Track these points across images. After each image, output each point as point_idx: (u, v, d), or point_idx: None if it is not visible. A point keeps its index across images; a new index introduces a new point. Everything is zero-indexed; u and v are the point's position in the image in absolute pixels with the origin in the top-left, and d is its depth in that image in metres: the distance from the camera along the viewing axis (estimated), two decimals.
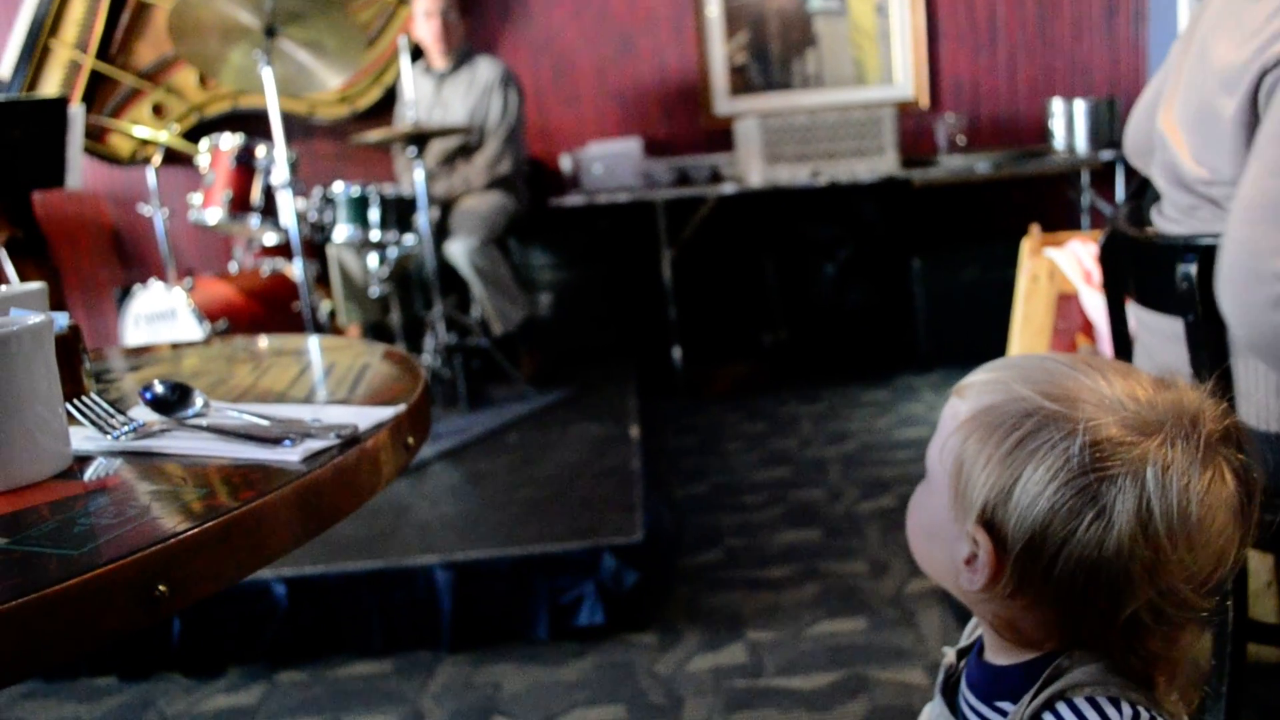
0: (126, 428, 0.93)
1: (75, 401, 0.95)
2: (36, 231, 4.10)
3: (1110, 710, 0.71)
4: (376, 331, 4.10)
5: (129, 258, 4.82)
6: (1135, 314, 1.74)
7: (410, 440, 0.94)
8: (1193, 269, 1.48)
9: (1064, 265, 2.42)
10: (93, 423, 0.94)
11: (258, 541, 0.72)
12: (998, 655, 0.81)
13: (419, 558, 2.51)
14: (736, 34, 4.78)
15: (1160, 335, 1.68)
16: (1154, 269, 1.58)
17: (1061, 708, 0.72)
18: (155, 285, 3.60)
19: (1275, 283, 1.23)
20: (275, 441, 0.86)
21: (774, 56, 4.81)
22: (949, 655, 0.89)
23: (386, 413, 0.93)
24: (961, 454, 0.75)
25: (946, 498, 0.77)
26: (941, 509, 0.78)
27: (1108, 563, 0.69)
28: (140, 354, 1.54)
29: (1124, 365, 0.77)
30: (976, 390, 0.78)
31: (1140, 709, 0.71)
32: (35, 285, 1.14)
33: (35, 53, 4.44)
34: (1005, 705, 0.79)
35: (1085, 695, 0.72)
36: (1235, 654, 1.61)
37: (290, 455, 0.83)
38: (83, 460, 0.89)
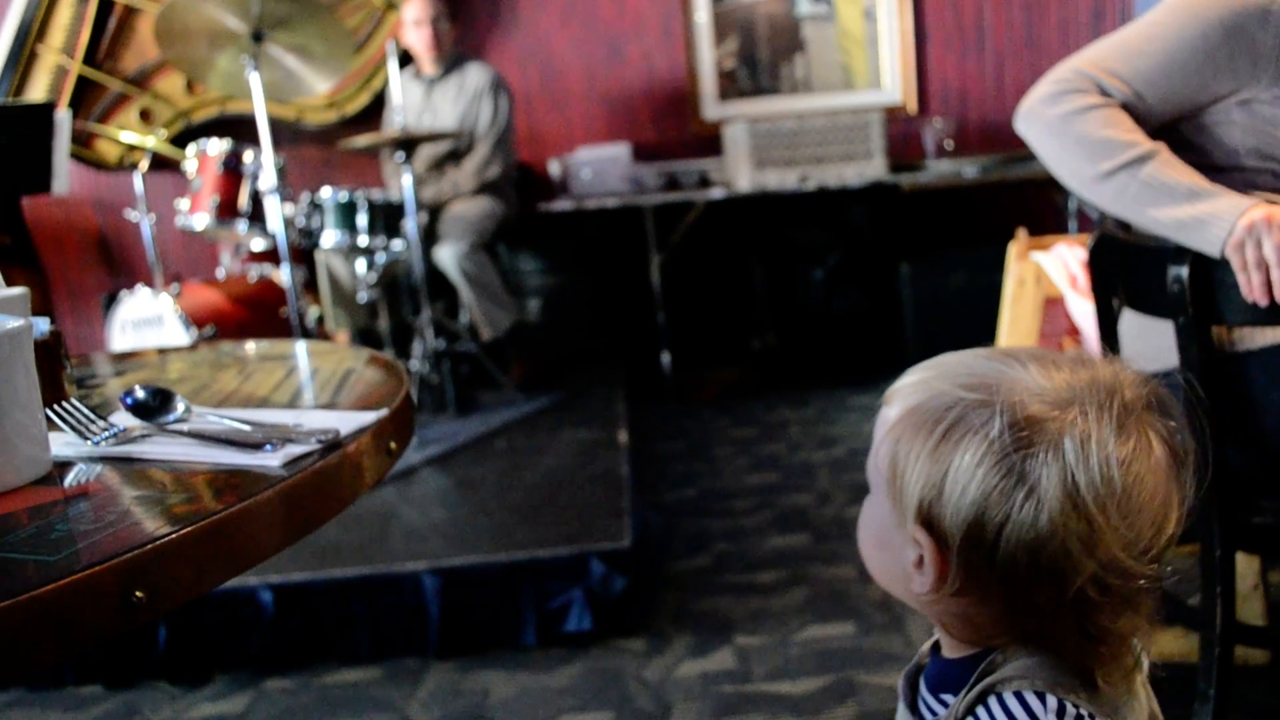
0: (107, 433, 0.93)
1: (56, 407, 0.94)
2: (25, 238, 4.09)
3: (1035, 704, 0.71)
4: (365, 337, 4.09)
5: (116, 263, 4.80)
6: (1120, 317, 1.75)
7: (392, 445, 0.94)
8: (1184, 272, 1.49)
9: (1050, 269, 2.43)
10: (73, 428, 0.93)
11: (237, 547, 0.71)
12: (951, 650, 0.82)
13: (407, 564, 2.50)
14: (725, 39, 4.79)
15: (1146, 337, 1.68)
16: (1144, 272, 1.59)
17: (991, 702, 0.73)
18: (142, 291, 3.58)
19: (1057, 84, 1.57)
20: (256, 446, 0.85)
21: (762, 62, 4.82)
22: (924, 646, 0.89)
23: (368, 417, 0.93)
24: (894, 458, 0.76)
25: (888, 505, 0.77)
26: (885, 518, 0.78)
27: (1045, 541, 0.70)
28: (125, 359, 1.53)
29: (1042, 350, 0.78)
30: (902, 395, 0.79)
31: (1067, 703, 0.71)
32: (16, 290, 1.13)
33: (22, 58, 4.42)
34: (948, 697, 0.80)
35: (1013, 690, 0.73)
36: (1223, 656, 1.62)
37: (271, 460, 0.82)
38: (63, 466, 0.88)
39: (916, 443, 0.74)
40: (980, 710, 0.74)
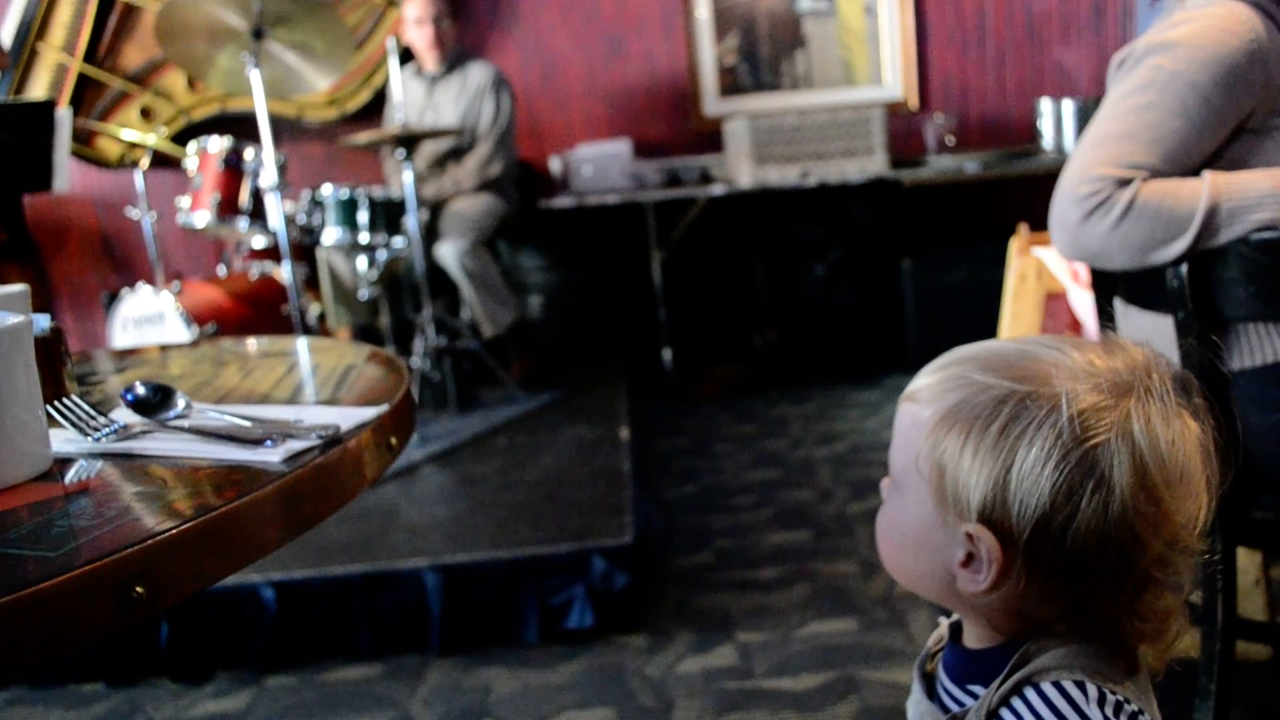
0: (107, 429, 0.93)
1: (56, 403, 0.94)
2: (26, 235, 4.09)
3: (1076, 693, 0.71)
4: (366, 334, 4.09)
5: (117, 261, 4.80)
6: (1121, 311, 1.75)
7: (393, 440, 0.94)
8: (1183, 267, 1.49)
9: (1052, 264, 2.42)
10: (74, 425, 0.93)
11: (237, 542, 0.71)
12: (976, 641, 0.80)
13: (408, 561, 2.50)
14: (726, 35, 4.79)
15: (1146, 333, 1.68)
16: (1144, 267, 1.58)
17: (1029, 693, 0.72)
18: (143, 289, 3.58)
19: (1084, 202, 1.50)
20: (257, 442, 0.85)
21: (763, 57, 4.82)
22: (943, 625, 0.87)
23: (369, 413, 0.92)
24: (940, 457, 0.74)
25: (927, 507, 0.76)
26: (923, 519, 0.76)
27: (1115, 527, 0.70)
28: (126, 356, 1.53)
29: (1065, 338, 0.78)
30: (933, 391, 0.77)
31: (1106, 690, 0.71)
32: (17, 287, 1.14)
33: (22, 55, 4.42)
34: (976, 688, 0.78)
35: (1051, 680, 0.72)
36: (1224, 651, 1.62)
37: (271, 456, 0.82)
38: (63, 462, 0.89)
39: (972, 440, 0.72)
40: (1016, 702, 0.73)
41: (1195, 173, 1.54)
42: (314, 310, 3.94)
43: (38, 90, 4.43)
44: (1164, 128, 1.51)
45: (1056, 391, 0.71)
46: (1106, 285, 1.78)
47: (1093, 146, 1.55)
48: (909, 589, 0.83)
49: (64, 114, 3.73)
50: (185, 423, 0.94)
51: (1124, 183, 1.50)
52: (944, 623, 0.87)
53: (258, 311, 3.74)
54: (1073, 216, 1.53)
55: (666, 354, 4.52)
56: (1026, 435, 0.71)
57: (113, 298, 3.77)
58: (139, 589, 0.63)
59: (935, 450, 0.74)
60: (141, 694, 2.40)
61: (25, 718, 2.34)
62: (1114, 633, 0.74)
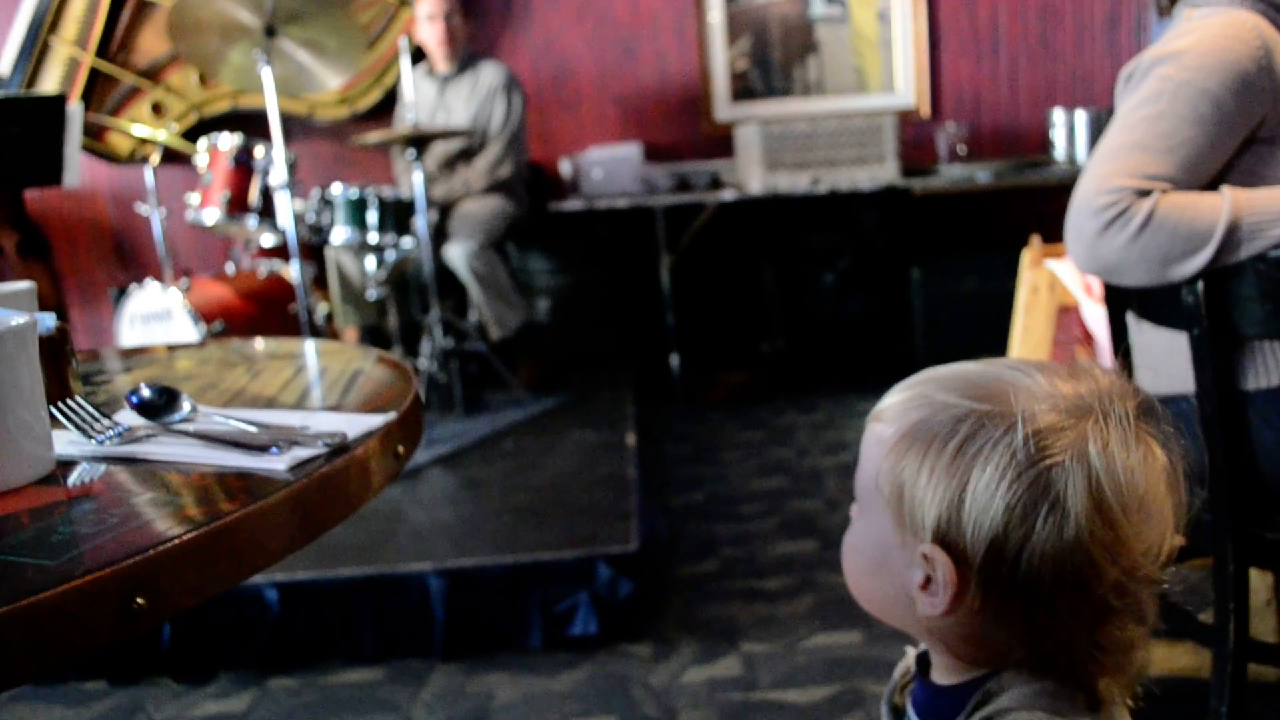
0: (111, 432, 0.91)
1: (60, 404, 0.93)
2: (34, 232, 4.09)
3: None
4: (373, 335, 4.08)
5: (126, 257, 4.80)
6: (1134, 327, 1.73)
7: (400, 449, 0.92)
8: (1199, 283, 1.47)
9: (1065, 277, 2.41)
10: (77, 427, 0.92)
11: (241, 553, 0.70)
12: (944, 675, 0.79)
13: (412, 565, 2.49)
14: (738, 40, 4.78)
15: (1157, 350, 1.66)
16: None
17: None
18: (151, 285, 3.58)
19: (1102, 213, 1.47)
20: (262, 449, 0.84)
21: (775, 63, 4.80)
22: (909, 656, 0.86)
23: (376, 420, 0.91)
24: (899, 476, 0.73)
25: (888, 527, 0.75)
26: (883, 540, 0.75)
27: (1070, 551, 0.68)
28: (133, 355, 1.52)
29: (1035, 361, 0.77)
30: (896, 410, 0.76)
31: None
32: (23, 285, 1.13)
33: (35, 49, 4.42)
34: None
35: None
36: (1235, 673, 1.60)
37: (277, 464, 0.81)
38: (66, 465, 0.87)
39: (929, 458, 0.72)
40: None
41: (1210, 185, 1.53)
42: (322, 309, 3.93)
43: (50, 84, 4.43)
44: (1177, 136, 1.49)
45: (1014, 411, 0.70)
46: (1120, 299, 1.76)
47: (1107, 159, 1.52)
48: (874, 614, 0.81)
49: (75, 109, 3.73)
50: (190, 427, 0.93)
51: (1143, 194, 1.47)
52: (911, 653, 0.86)
53: (265, 310, 3.73)
54: (1090, 228, 1.50)
55: (674, 359, 4.51)
56: (982, 454, 0.70)
57: (121, 293, 3.76)
58: (140, 600, 0.62)
59: (895, 469, 0.74)
60: (143, 693, 2.39)
61: (27, 715, 2.33)
62: (1073, 664, 0.72)
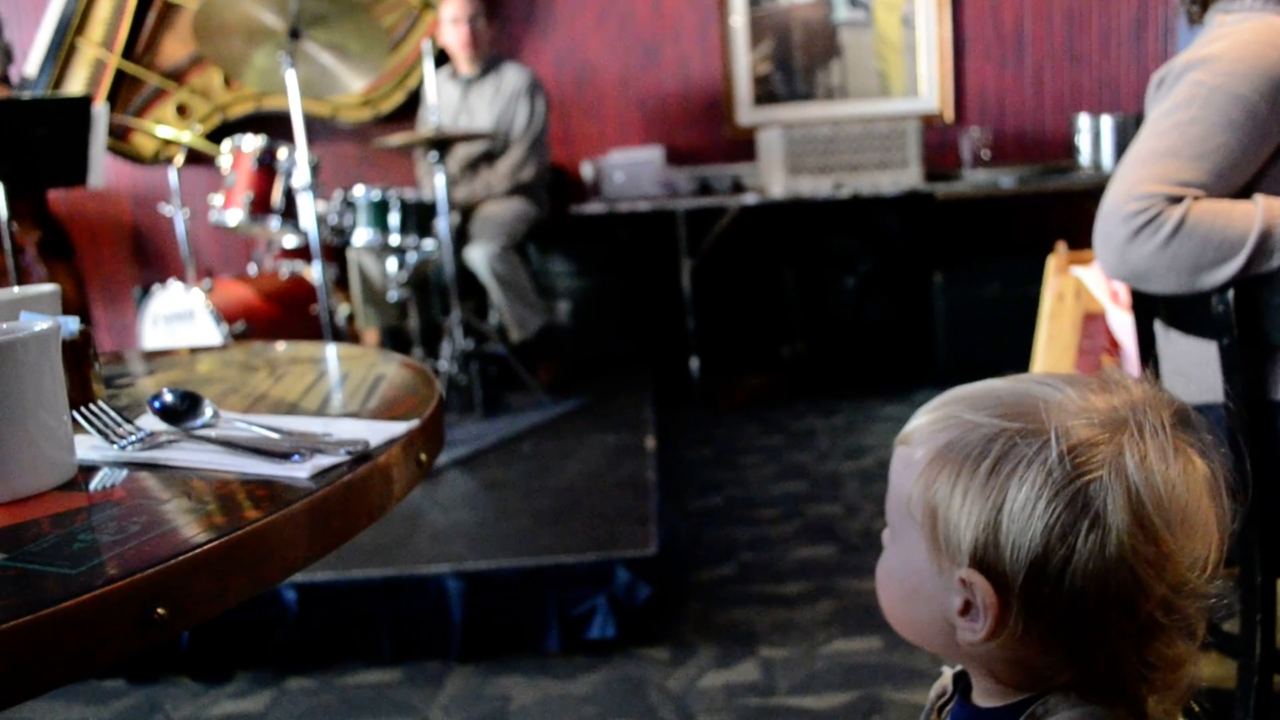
0: (134, 437, 0.91)
1: (83, 409, 0.93)
2: (58, 231, 4.11)
3: None
4: (394, 336, 4.09)
5: (149, 257, 4.83)
6: (1162, 335, 1.71)
7: (423, 456, 0.92)
8: (1230, 292, 1.45)
9: (1091, 284, 2.38)
10: (99, 431, 0.92)
11: (262, 562, 0.70)
12: (986, 698, 0.77)
13: (430, 566, 2.49)
14: (761, 44, 4.76)
15: (1189, 359, 1.65)
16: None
17: None
18: (174, 285, 3.60)
19: (1131, 220, 1.46)
20: (284, 456, 0.83)
21: (798, 67, 4.79)
22: (945, 676, 0.84)
23: (399, 428, 0.91)
24: (932, 500, 0.71)
25: (922, 553, 0.73)
26: (918, 566, 0.74)
27: (1113, 569, 0.66)
28: (156, 358, 1.53)
29: (1064, 374, 0.75)
30: (925, 432, 0.74)
31: None
32: (48, 287, 1.13)
33: (62, 51, 4.46)
34: None
35: None
36: (1261, 685, 1.58)
37: (299, 472, 0.81)
38: (88, 470, 0.87)
39: (961, 480, 0.70)
40: None
41: (1242, 193, 1.51)
42: (343, 311, 3.94)
43: (76, 85, 4.46)
44: (1209, 142, 1.47)
45: (1047, 428, 0.68)
46: (1148, 307, 1.74)
47: (1137, 164, 1.50)
48: (912, 642, 0.79)
49: (100, 110, 3.75)
50: (212, 433, 0.93)
51: (1174, 200, 1.45)
52: (947, 672, 0.84)
53: (287, 311, 3.74)
54: (1120, 234, 1.48)
55: (694, 363, 4.50)
56: (1017, 473, 0.68)
57: (144, 293, 3.78)
58: (161, 610, 0.62)
59: (927, 493, 0.72)
60: (161, 692, 2.40)
61: (45, 713, 2.34)
62: (1122, 685, 0.71)
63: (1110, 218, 1.50)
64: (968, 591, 0.70)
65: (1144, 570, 0.67)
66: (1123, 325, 2.28)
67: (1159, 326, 1.71)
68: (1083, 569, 0.67)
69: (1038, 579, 0.67)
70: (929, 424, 0.74)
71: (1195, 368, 1.63)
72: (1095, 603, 0.67)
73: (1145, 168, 1.49)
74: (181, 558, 0.64)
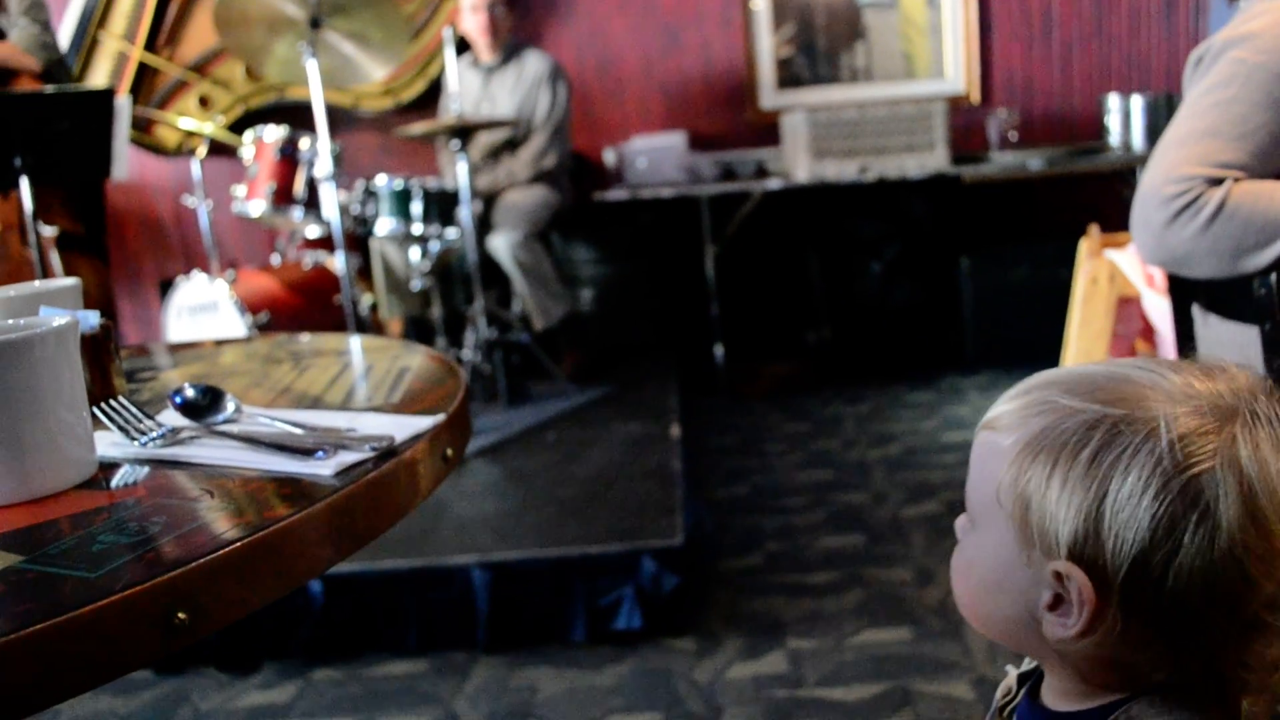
0: (155, 434, 0.90)
1: (103, 405, 0.92)
2: (100, 227, 4.11)
3: None
4: (417, 325, 4.08)
5: (173, 249, 4.85)
6: (1200, 320, 1.67)
7: (449, 452, 0.90)
8: (1272, 275, 1.41)
9: (1126, 267, 2.34)
10: (120, 428, 0.90)
11: (285, 563, 0.68)
12: (1061, 700, 0.73)
13: (456, 557, 2.48)
14: (783, 26, 4.71)
15: (1229, 344, 1.61)
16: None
17: None
18: (198, 277, 3.60)
19: (1170, 203, 1.42)
20: (308, 453, 0.82)
21: (822, 49, 4.74)
22: (1010, 676, 0.81)
23: (424, 423, 0.89)
24: (1024, 489, 0.67)
25: (1010, 544, 0.69)
26: (1004, 558, 0.70)
27: (1221, 565, 0.63)
28: (179, 351, 1.52)
29: (1160, 359, 0.71)
30: (1014, 418, 0.70)
31: None
32: (68, 281, 1.12)
33: (84, 44, 4.46)
34: None
35: None
36: None
37: (323, 469, 0.79)
38: (108, 468, 0.86)
39: (1060, 469, 0.66)
40: None
41: None
42: (366, 300, 3.94)
43: (99, 78, 4.47)
44: (1251, 122, 1.42)
45: (1154, 415, 0.65)
46: (1185, 291, 1.70)
47: (1176, 146, 1.46)
48: (989, 636, 0.76)
49: (124, 102, 3.75)
50: (234, 428, 0.91)
51: (1214, 182, 1.41)
52: (1012, 672, 0.81)
53: (310, 301, 3.74)
54: (1159, 218, 1.43)
55: (719, 350, 4.47)
56: (1121, 463, 0.64)
57: (168, 285, 3.79)
58: (181, 615, 0.60)
59: (1018, 481, 0.68)
60: (189, 683, 2.40)
61: (73, 703, 2.35)
62: (1221, 687, 0.67)
63: (1148, 201, 1.45)
64: (1061, 585, 0.67)
65: (1254, 566, 0.63)
66: (1158, 310, 2.23)
67: (1197, 311, 1.67)
68: (1189, 565, 0.63)
69: (1140, 574, 0.64)
70: (1018, 409, 0.71)
71: (1235, 353, 1.59)
72: (1199, 600, 0.64)
73: (1184, 149, 1.44)
74: (203, 561, 0.62)
